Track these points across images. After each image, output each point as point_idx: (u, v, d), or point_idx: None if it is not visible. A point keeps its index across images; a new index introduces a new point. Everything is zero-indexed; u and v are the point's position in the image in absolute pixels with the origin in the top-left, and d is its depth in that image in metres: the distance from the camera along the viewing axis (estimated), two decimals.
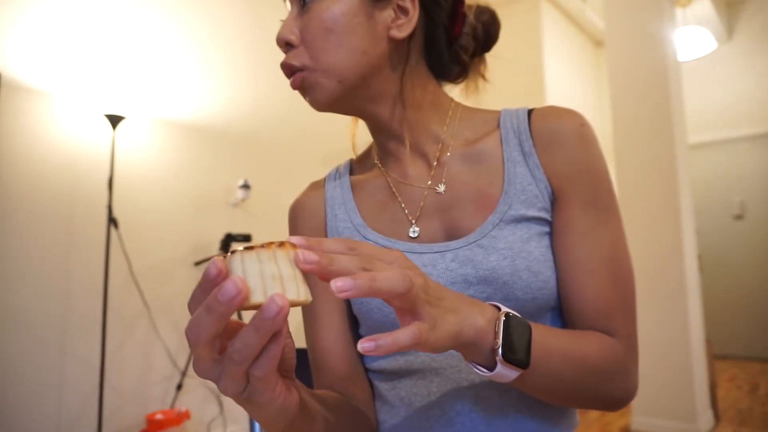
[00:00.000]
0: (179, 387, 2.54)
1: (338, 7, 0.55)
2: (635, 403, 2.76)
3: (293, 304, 0.33)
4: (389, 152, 0.65)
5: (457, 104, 0.66)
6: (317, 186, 0.71)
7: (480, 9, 0.65)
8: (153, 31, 2.65)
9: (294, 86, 0.59)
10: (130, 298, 2.43)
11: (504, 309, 0.45)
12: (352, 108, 0.61)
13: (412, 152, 0.63)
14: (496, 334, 0.43)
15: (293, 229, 0.69)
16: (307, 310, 0.65)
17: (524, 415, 0.56)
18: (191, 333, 0.33)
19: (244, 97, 3.07)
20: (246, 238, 2.75)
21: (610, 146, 2.94)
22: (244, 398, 0.37)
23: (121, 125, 2.37)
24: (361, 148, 0.75)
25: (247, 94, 3.10)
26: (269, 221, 3.06)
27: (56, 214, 2.24)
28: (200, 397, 2.67)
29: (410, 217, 0.62)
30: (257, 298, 0.33)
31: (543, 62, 4.16)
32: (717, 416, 2.82)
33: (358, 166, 0.72)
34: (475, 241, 0.57)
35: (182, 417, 2.31)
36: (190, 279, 2.67)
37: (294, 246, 0.35)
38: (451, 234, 0.60)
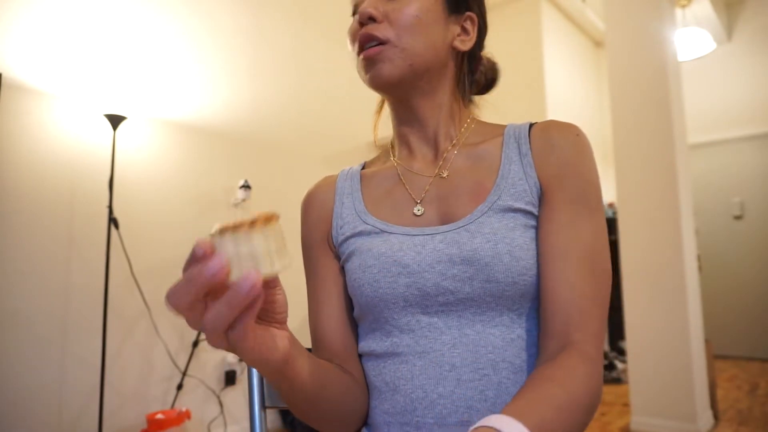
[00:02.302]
0: (180, 387, 2.55)
1: (425, 4, 0.65)
2: (635, 403, 2.76)
3: (268, 278, 0.37)
4: (407, 145, 0.72)
5: (473, 118, 0.74)
6: (330, 178, 0.77)
7: (488, 59, 0.77)
8: (153, 31, 2.65)
9: (367, 56, 0.64)
10: (131, 298, 2.43)
11: None
12: (403, 93, 0.68)
13: (429, 147, 0.70)
14: None
15: (305, 218, 0.75)
16: (309, 289, 0.72)
17: (504, 401, 0.58)
18: (170, 300, 0.37)
19: (244, 97, 3.07)
20: None
21: (610, 146, 2.94)
22: (230, 349, 0.41)
23: (121, 125, 2.37)
24: (374, 153, 0.78)
25: (247, 94, 3.10)
26: None
27: (56, 214, 2.24)
28: (200, 397, 2.68)
29: (416, 199, 0.68)
30: (234, 275, 0.36)
31: (543, 62, 4.16)
32: (717, 416, 2.82)
33: (370, 164, 0.78)
34: (463, 226, 0.62)
35: (183, 417, 2.31)
36: None
37: (268, 219, 0.38)
38: (445, 220, 0.65)
